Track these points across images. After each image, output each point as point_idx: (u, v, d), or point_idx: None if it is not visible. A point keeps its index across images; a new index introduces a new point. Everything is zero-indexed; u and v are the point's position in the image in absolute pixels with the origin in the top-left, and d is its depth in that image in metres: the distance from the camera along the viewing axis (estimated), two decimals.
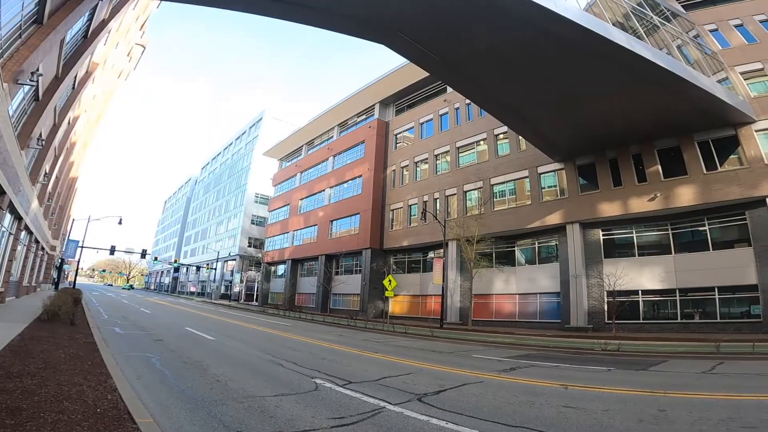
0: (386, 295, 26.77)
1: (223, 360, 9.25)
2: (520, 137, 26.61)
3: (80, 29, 15.30)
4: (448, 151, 33.18)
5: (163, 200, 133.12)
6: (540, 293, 25.72)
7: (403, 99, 40.00)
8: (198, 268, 67.57)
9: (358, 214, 38.89)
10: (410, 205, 35.50)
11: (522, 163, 27.57)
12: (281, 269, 52.85)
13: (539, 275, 25.92)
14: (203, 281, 73.59)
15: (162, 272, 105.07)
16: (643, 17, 18.85)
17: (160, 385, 6.43)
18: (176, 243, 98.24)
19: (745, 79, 21.27)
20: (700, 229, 20.94)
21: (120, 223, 42.40)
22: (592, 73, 17.35)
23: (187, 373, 7.43)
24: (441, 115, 34.76)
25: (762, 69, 21.11)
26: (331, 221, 43.15)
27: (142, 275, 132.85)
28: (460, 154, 32.43)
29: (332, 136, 48.17)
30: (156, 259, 72.31)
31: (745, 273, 18.76)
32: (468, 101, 29.61)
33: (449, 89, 31.82)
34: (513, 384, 7.82)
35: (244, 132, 76.80)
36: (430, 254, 33.09)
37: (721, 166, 20.38)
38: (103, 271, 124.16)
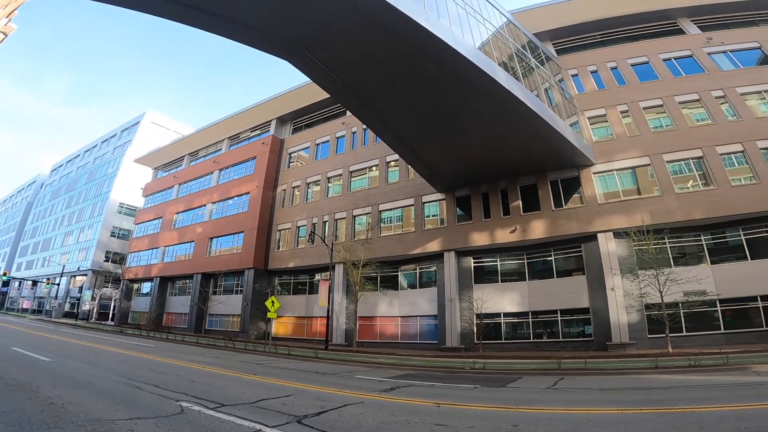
0: (269, 316, 25.58)
1: (62, 382, 7.90)
2: (409, 166, 27.97)
3: None
4: (341, 175, 33.70)
5: None
6: (420, 316, 27.03)
7: (302, 117, 39.77)
8: (35, 282, 56.93)
9: (242, 232, 36.88)
10: (299, 227, 34.88)
11: (409, 191, 29.17)
12: (147, 287, 47.18)
13: (420, 299, 27.29)
14: (41, 297, 62.47)
15: None
16: (523, 59, 21.06)
17: None
18: (7, 253, 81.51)
19: (590, 124, 24.57)
20: (548, 259, 24.04)
21: None
22: (475, 109, 18.78)
23: (10, 395, 6.22)
24: (338, 138, 35.31)
25: (605, 115, 24.49)
26: (211, 238, 40.11)
27: None
28: (353, 179, 33.20)
29: (220, 149, 45.44)
30: None
31: (581, 298, 22.03)
32: (365, 126, 30.66)
33: (348, 113, 32.64)
34: (392, 404, 8.03)
35: (114, 135, 68.69)
36: (317, 276, 32.69)
37: (565, 204, 23.58)
38: None
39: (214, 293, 38.04)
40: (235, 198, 39.92)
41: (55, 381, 7.93)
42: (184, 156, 50.00)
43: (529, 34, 23.41)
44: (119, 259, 55.87)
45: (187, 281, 41.70)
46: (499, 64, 17.85)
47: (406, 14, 13.33)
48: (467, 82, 16.73)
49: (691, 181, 21.53)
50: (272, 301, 24.69)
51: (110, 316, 49.60)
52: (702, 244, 20.70)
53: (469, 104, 18.46)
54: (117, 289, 51.15)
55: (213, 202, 42.10)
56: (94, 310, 51.35)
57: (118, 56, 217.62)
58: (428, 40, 14.36)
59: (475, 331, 23.96)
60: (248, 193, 38.37)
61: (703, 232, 20.72)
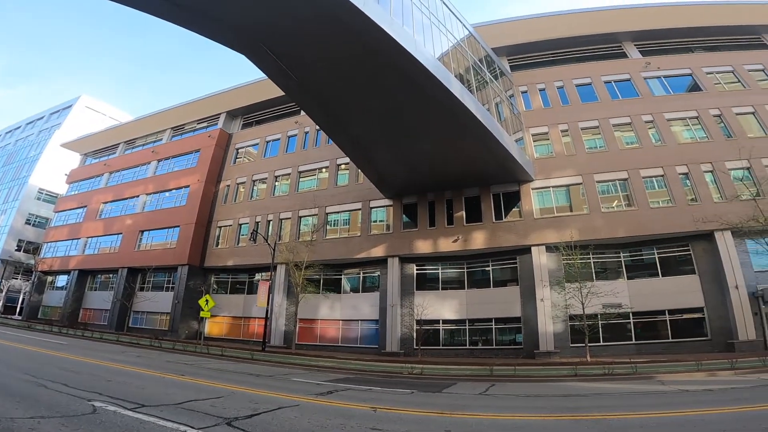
0: (202, 315, 24.33)
1: None
2: (359, 170, 27.82)
3: None
4: (289, 174, 33.00)
5: None
6: (361, 320, 26.99)
7: (253, 113, 38.55)
8: None
9: (178, 227, 34.94)
10: (241, 224, 33.64)
11: (357, 195, 29.10)
12: (63, 280, 43.21)
13: (362, 303, 27.28)
14: None
15: None
16: (479, 72, 21.68)
17: None
18: None
19: (534, 141, 25.76)
20: (486, 269, 25.00)
21: None
22: (429, 117, 19.03)
23: None
24: (289, 137, 34.59)
25: (546, 133, 25.72)
26: (142, 231, 37.65)
27: None
28: (301, 179, 32.63)
29: (161, 139, 42.99)
30: None
31: (513, 307, 23.12)
32: (318, 127, 30.20)
33: (302, 112, 32.03)
34: (329, 407, 7.96)
35: (42, 117, 63.47)
36: (258, 276, 31.68)
37: (505, 216, 24.64)
38: None
39: (141, 289, 35.64)
40: (174, 190, 37.83)
41: None
42: (119, 144, 46.88)
43: (488, 49, 24.15)
44: (33, 248, 50.99)
45: (111, 275, 38.82)
46: (456, 76, 18.33)
47: (371, 18, 13.34)
48: (424, 90, 17.01)
49: (616, 201, 23.47)
50: (206, 300, 23.58)
51: (18, 310, 45.03)
52: (621, 261, 22.61)
53: (424, 112, 18.77)
54: (28, 281, 46.52)
55: (147, 194, 39.60)
56: (0, 303, 46.44)
57: (62, 39, 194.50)
58: (390, 45, 14.47)
59: (414, 336, 24.29)
60: (188, 186, 36.49)
61: (622, 249, 22.65)
